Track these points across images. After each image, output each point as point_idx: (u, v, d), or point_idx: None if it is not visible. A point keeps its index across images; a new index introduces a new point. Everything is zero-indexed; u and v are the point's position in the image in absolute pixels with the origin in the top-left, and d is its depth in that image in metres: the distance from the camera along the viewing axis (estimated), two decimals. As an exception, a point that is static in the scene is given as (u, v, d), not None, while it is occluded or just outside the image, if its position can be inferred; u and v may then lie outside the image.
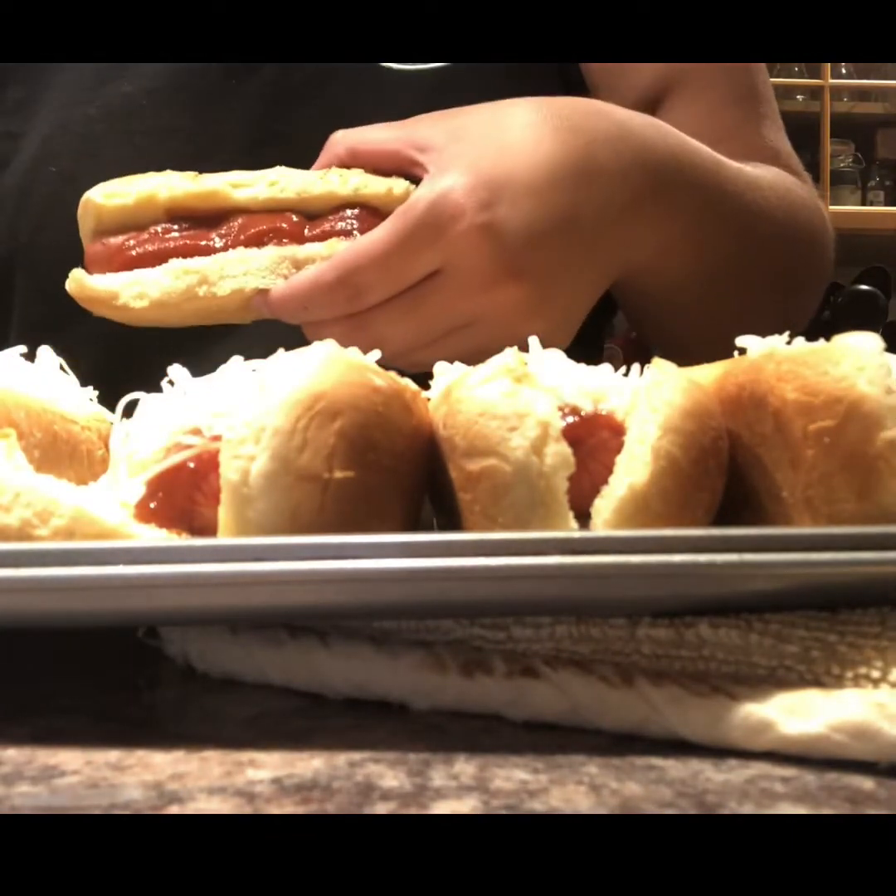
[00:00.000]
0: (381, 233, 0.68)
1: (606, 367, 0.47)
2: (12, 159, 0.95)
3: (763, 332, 0.46)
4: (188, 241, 0.70)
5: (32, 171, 0.93)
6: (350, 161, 0.74)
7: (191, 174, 0.72)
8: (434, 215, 0.68)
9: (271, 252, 0.70)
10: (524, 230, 0.69)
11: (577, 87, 0.95)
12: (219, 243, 0.70)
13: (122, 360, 0.78)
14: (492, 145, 0.71)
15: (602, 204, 0.72)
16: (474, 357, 0.67)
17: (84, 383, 0.60)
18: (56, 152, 0.92)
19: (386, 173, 0.72)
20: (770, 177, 0.88)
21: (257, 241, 0.70)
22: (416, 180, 0.71)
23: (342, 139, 0.74)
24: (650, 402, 0.42)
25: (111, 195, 0.71)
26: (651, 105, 0.94)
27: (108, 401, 0.57)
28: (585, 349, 0.66)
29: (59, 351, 0.58)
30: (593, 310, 0.79)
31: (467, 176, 0.69)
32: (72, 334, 0.74)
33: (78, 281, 0.70)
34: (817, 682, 0.37)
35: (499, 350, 0.49)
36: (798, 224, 0.88)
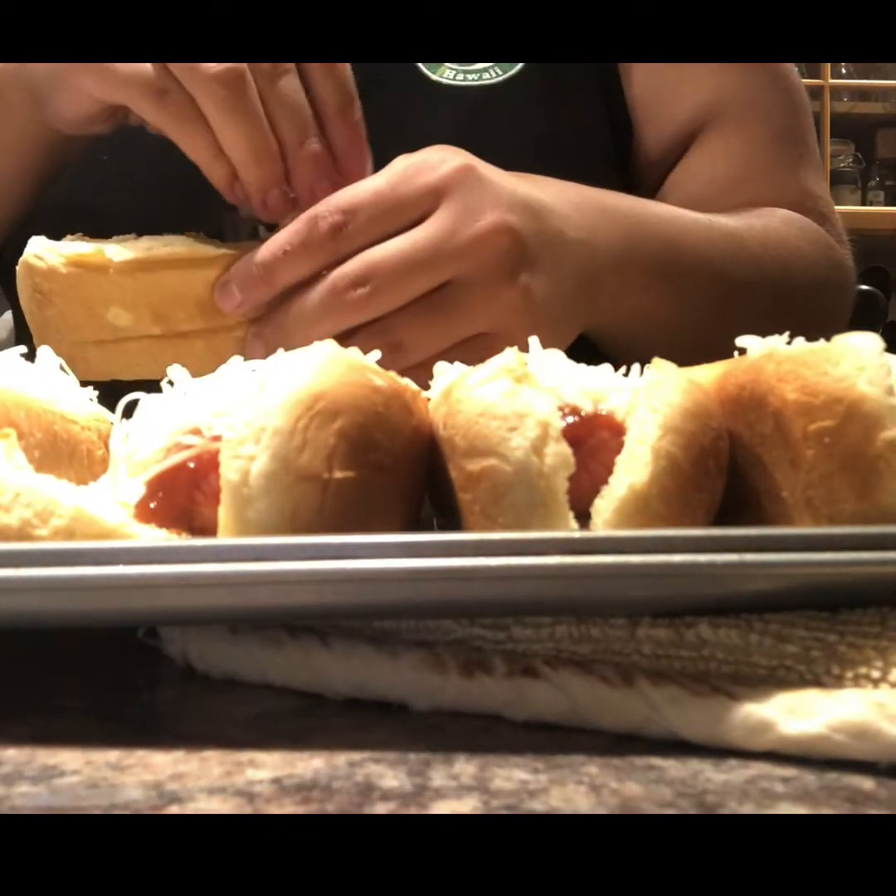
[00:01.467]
0: (368, 177, 0.68)
1: (606, 367, 0.47)
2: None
3: None
4: None
5: (86, 155, 0.92)
6: None
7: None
8: (421, 159, 0.69)
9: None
10: (509, 185, 0.70)
11: (617, 98, 0.96)
12: None
13: None
14: None
15: (562, 233, 0.73)
16: (457, 329, 0.65)
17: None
18: (107, 140, 0.92)
19: None
20: (762, 227, 0.88)
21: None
22: None
23: None
24: (650, 402, 0.42)
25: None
26: (689, 137, 0.96)
27: (108, 401, 0.57)
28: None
29: None
30: None
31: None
32: None
33: (35, 240, 0.67)
34: (817, 682, 0.37)
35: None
36: (792, 274, 0.88)
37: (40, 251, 0.67)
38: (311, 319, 0.66)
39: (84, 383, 0.60)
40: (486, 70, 0.93)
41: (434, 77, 0.92)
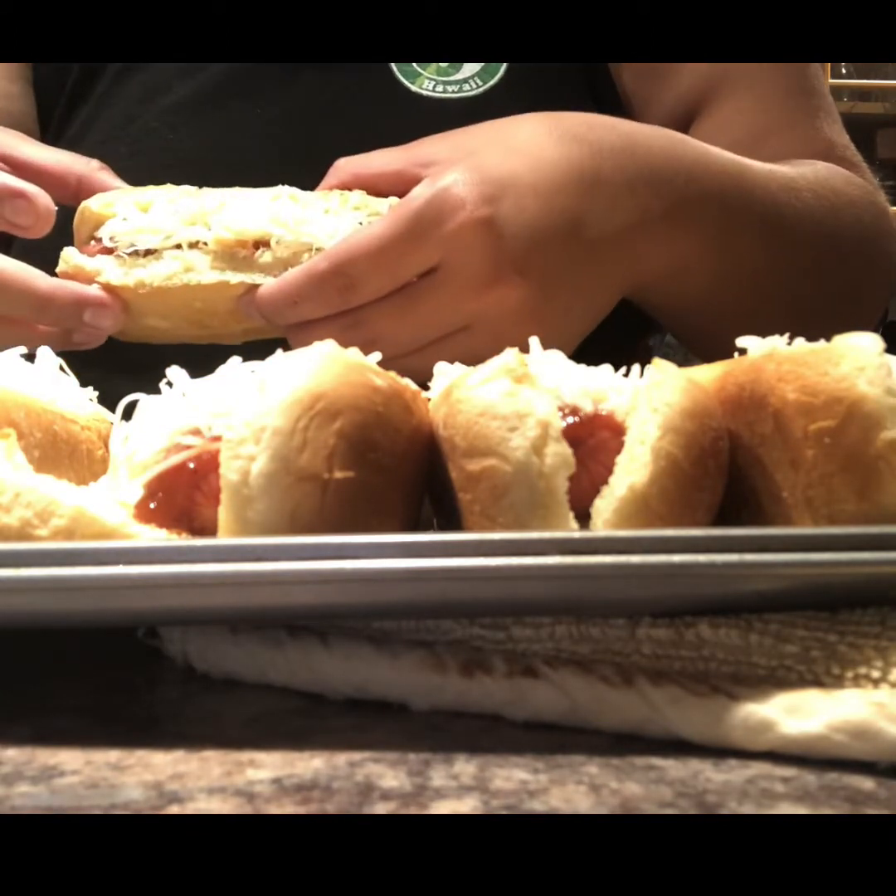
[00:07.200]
0: (377, 225, 0.67)
1: (606, 368, 0.47)
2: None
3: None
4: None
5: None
6: (354, 185, 0.73)
7: (192, 189, 0.72)
8: (434, 208, 0.67)
9: (263, 252, 0.70)
10: (526, 229, 0.68)
11: (609, 105, 0.94)
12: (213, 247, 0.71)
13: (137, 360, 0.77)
14: (497, 150, 0.71)
15: (605, 216, 0.71)
16: (469, 363, 0.67)
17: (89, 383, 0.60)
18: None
19: (389, 196, 0.72)
20: (812, 175, 0.85)
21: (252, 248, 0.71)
22: None
23: (346, 165, 0.74)
24: (650, 402, 0.42)
25: (108, 204, 0.71)
26: (692, 109, 0.93)
27: (108, 401, 0.57)
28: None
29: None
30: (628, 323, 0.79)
31: (470, 173, 0.68)
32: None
33: (66, 257, 0.71)
34: (817, 682, 0.37)
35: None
36: (843, 223, 0.85)
37: (66, 268, 0.71)
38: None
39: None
40: (466, 81, 0.91)
41: (413, 88, 0.91)
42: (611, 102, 0.95)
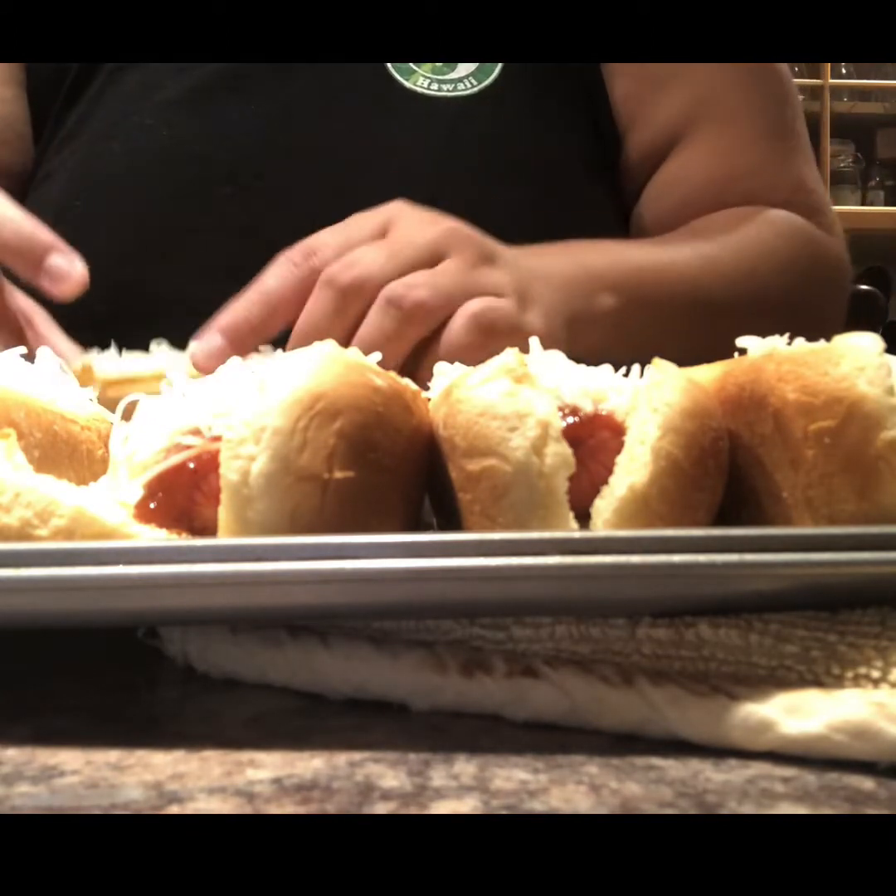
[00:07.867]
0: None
1: (606, 368, 0.47)
2: (48, 189, 0.95)
3: None
4: None
5: (62, 204, 0.92)
6: None
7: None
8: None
9: None
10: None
11: (601, 108, 0.95)
12: None
13: None
14: None
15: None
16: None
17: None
18: (81, 189, 0.92)
19: None
20: (736, 236, 0.89)
21: None
22: None
23: None
24: (650, 402, 0.42)
25: None
26: (673, 137, 0.95)
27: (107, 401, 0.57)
28: None
29: None
30: None
31: None
32: None
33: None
34: (817, 682, 0.37)
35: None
36: (766, 276, 0.89)
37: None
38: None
39: None
40: (460, 80, 0.91)
41: (408, 85, 0.90)
42: (603, 105, 0.96)
